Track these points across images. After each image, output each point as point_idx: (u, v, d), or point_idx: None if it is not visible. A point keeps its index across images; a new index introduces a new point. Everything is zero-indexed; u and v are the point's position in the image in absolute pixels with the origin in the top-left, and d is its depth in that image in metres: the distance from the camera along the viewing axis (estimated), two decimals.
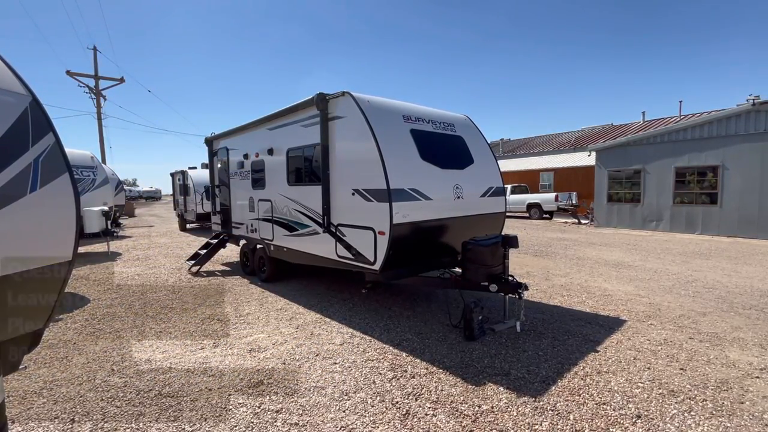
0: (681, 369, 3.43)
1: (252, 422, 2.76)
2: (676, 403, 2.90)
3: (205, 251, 7.97)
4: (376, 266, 4.49)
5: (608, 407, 2.86)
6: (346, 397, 3.05)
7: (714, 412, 2.78)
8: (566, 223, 16.21)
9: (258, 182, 6.89)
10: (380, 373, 3.43)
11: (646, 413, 2.78)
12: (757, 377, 3.27)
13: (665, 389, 3.09)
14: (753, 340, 4.06)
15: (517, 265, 7.74)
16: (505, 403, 2.94)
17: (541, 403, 2.93)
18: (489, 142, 6.32)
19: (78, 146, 17.87)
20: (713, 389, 3.09)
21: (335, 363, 3.65)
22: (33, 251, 2.11)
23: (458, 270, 5.00)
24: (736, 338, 4.10)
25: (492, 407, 2.89)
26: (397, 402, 2.98)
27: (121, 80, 23.70)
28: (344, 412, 2.86)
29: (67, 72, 22.13)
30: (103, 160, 22.34)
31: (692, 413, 2.77)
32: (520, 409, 2.86)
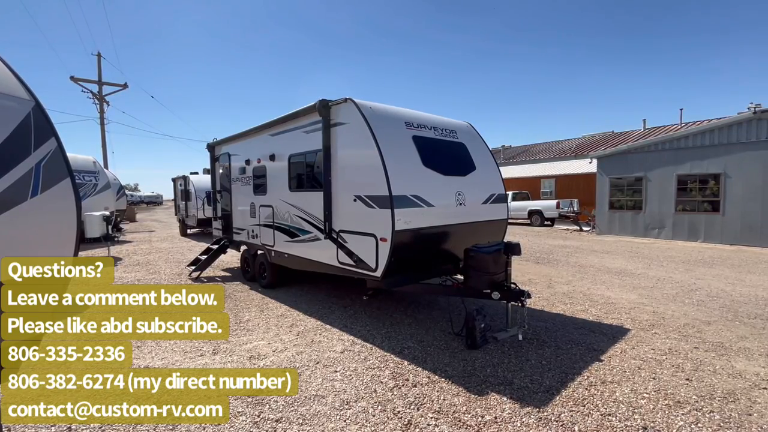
0: (687, 379, 3.38)
1: (251, 431, 2.71)
2: (682, 414, 2.85)
3: (205, 257, 7.96)
4: (378, 273, 4.46)
5: (613, 418, 2.81)
6: (346, 406, 3.01)
7: (722, 424, 2.73)
8: (568, 230, 16.16)
9: (259, 188, 6.89)
10: (381, 382, 3.39)
11: (652, 425, 2.73)
12: (765, 388, 3.22)
13: (671, 400, 3.04)
14: (759, 350, 4.01)
15: (519, 272, 7.69)
16: (509, 413, 2.89)
17: (545, 413, 2.88)
18: (490, 149, 6.32)
19: (81, 151, 18.01)
20: (720, 400, 3.04)
21: (336, 371, 3.61)
22: (34, 256, 2.09)
23: (460, 277, 4.97)
24: (742, 348, 4.05)
25: (495, 417, 2.84)
26: (398, 412, 2.93)
27: (125, 86, 23.90)
28: (345, 421, 2.82)
29: (71, 78, 22.32)
30: (106, 165, 22.41)
31: (699, 425, 2.72)
32: (523, 419, 2.81)
